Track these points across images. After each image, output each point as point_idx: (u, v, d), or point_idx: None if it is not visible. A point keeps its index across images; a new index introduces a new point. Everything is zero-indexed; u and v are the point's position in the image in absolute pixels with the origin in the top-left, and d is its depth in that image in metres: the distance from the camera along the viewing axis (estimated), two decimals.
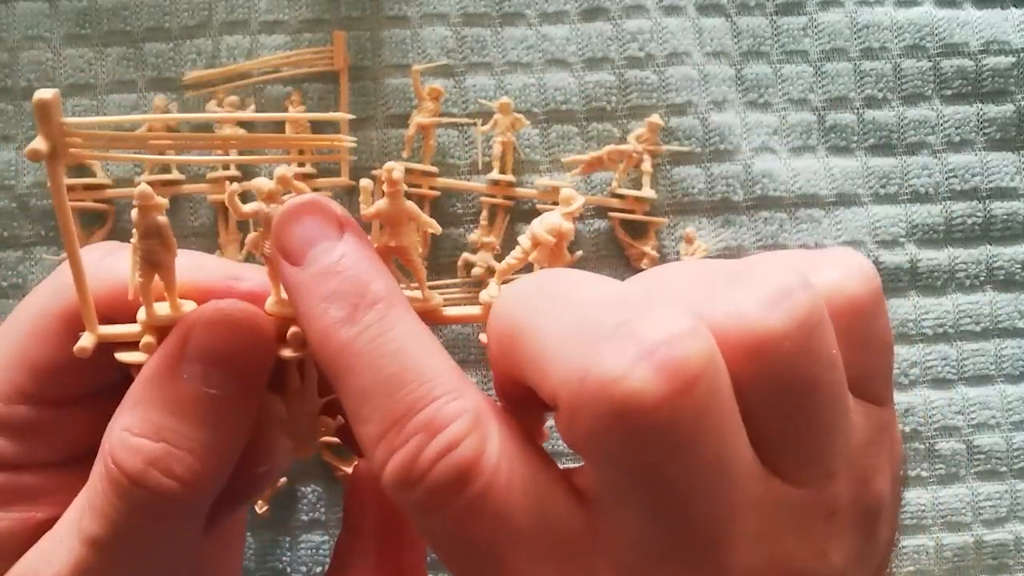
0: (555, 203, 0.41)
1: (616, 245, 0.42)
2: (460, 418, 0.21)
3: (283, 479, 0.40)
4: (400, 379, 0.22)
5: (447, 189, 0.41)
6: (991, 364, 0.43)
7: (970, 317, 0.43)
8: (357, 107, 0.41)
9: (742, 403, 0.20)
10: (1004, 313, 0.43)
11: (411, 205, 0.26)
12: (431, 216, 0.40)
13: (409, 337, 0.23)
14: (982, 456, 0.42)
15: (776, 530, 0.21)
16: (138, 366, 0.25)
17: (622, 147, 0.41)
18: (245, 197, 0.25)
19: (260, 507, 0.40)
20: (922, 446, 0.42)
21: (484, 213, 0.41)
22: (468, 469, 0.21)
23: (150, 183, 0.40)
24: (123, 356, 0.25)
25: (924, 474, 0.42)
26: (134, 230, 0.24)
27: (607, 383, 0.19)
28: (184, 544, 0.25)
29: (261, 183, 0.24)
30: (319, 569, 0.41)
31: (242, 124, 0.40)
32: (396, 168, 0.25)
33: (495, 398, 0.24)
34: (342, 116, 0.28)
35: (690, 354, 0.19)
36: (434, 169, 0.41)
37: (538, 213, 0.41)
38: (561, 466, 0.23)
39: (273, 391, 0.26)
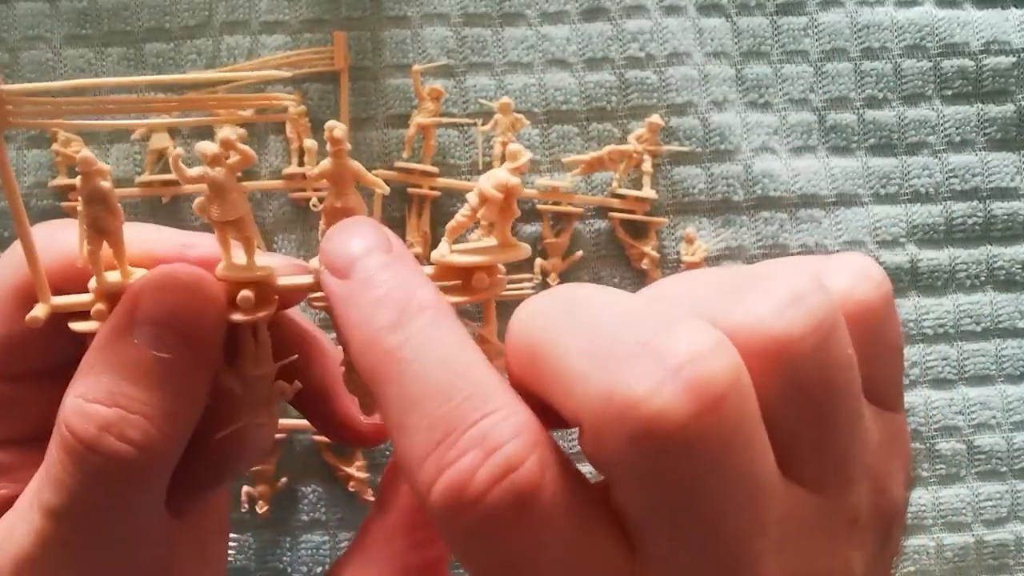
0: (556, 203, 0.41)
1: (616, 245, 0.42)
2: (518, 437, 0.20)
3: (284, 479, 0.40)
4: (452, 389, 0.21)
5: (447, 189, 0.41)
6: (992, 364, 0.43)
7: (971, 317, 0.43)
8: (357, 107, 0.41)
9: (762, 410, 0.20)
10: (1005, 313, 0.43)
11: (356, 164, 0.25)
12: (431, 216, 0.41)
13: (460, 346, 0.22)
14: (983, 456, 0.42)
15: (802, 541, 0.21)
16: (93, 335, 0.24)
17: (622, 147, 0.41)
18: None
19: (260, 507, 0.40)
20: (923, 446, 0.42)
21: None
22: (529, 494, 0.19)
23: (149, 183, 0.40)
24: (77, 325, 0.24)
25: (925, 474, 0.42)
26: (79, 197, 0.24)
27: (633, 404, 0.19)
28: (147, 517, 0.25)
29: (205, 146, 0.24)
30: (319, 569, 0.41)
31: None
32: (338, 127, 0.24)
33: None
34: (277, 74, 0.27)
35: (716, 371, 0.19)
36: (434, 169, 0.41)
37: (539, 213, 0.42)
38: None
39: (227, 358, 0.25)
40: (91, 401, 0.23)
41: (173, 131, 0.41)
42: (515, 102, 0.41)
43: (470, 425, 0.20)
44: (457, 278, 0.26)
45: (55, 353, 0.26)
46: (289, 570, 0.40)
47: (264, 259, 0.25)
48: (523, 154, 0.26)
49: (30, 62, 0.41)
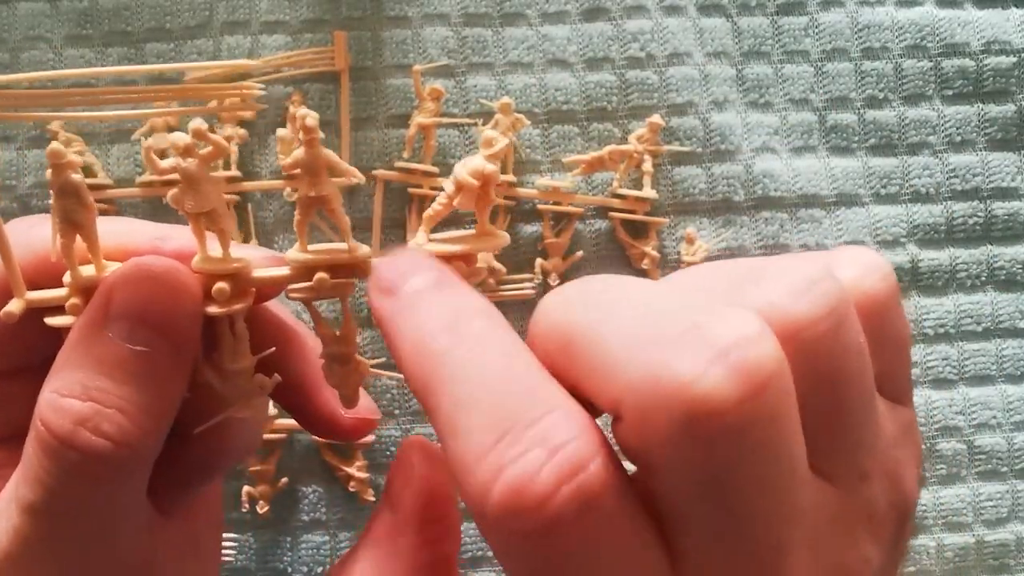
0: (556, 203, 0.41)
1: (617, 245, 0.42)
2: (581, 436, 0.19)
3: (284, 479, 0.40)
4: (509, 388, 0.20)
5: None
6: (992, 364, 0.43)
7: (971, 317, 0.43)
8: (358, 107, 0.41)
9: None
10: (1005, 313, 0.43)
11: (329, 153, 0.25)
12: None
13: (514, 348, 0.21)
14: (983, 456, 0.42)
15: (826, 535, 0.21)
16: (69, 329, 0.24)
17: (623, 147, 0.41)
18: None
19: (261, 507, 0.40)
20: (923, 446, 0.42)
21: None
22: (595, 497, 0.19)
23: (150, 183, 0.40)
24: (52, 320, 0.24)
25: (925, 474, 0.42)
26: (50, 191, 0.23)
27: (682, 386, 0.18)
28: (128, 512, 0.25)
29: (177, 137, 0.24)
30: (320, 569, 0.41)
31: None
32: (310, 115, 0.24)
33: None
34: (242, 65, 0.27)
35: (763, 356, 0.19)
36: (435, 169, 0.41)
37: (539, 213, 0.42)
38: None
39: (205, 352, 0.25)
40: (66, 396, 0.23)
41: (173, 131, 0.41)
42: (516, 102, 0.41)
43: (531, 423, 0.19)
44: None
45: (34, 349, 0.26)
46: (289, 570, 0.41)
47: (240, 251, 0.25)
48: (497, 140, 0.26)
49: (31, 62, 0.41)
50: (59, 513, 0.23)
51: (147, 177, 0.40)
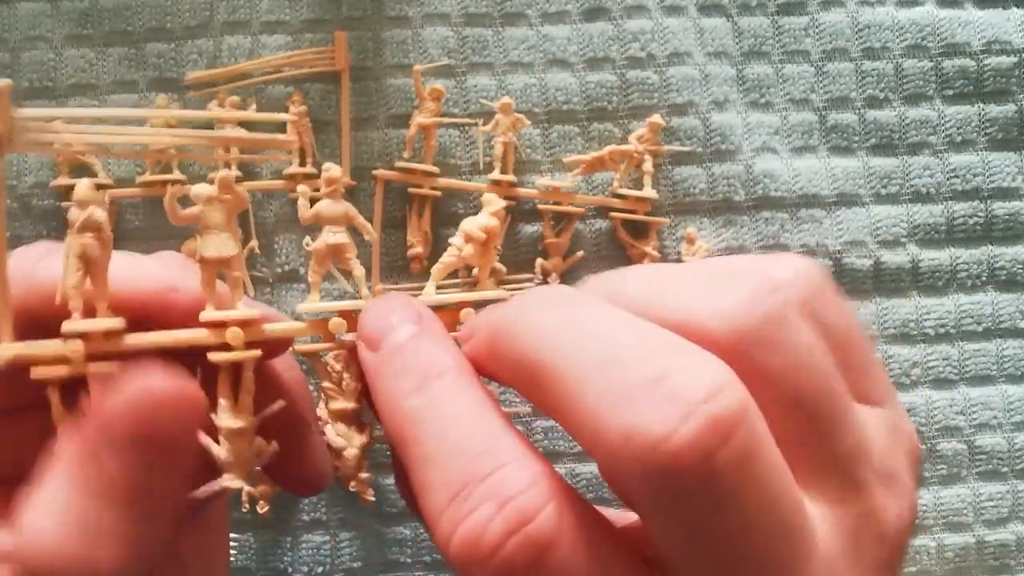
0: (557, 203, 0.41)
1: (617, 245, 0.42)
2: (532, 487, 0.20)
3: None
4: (466, 445, 0.21)
5: (448, 189, 0.41)
6: (993, 364, 0.43)
7: (972, 317, 0.43)
8: (358, 107, 0.41)
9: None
10: (1006, 313, 0.43)
11: (349, 206, 0.26)
12: (432, 217, 0.41)
13: (476, 405, 0.22)
14: (984, 456, 0.42)
15: (838, 559, 0.21)
16: (55, 381, 0.23)
17: (623, 147, 0.41)
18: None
19: (261, 507, 0.40)
20: (924, 446, 0.42)
21: None
22: (545, 545, 0.20)
23: (150, 182, 0.40)
24: (40, 371, 0.23)
25: (926, 474, 0.42)
26: (71, 227, 0.23)
27: (655, 444, 0.19)
28: None
29: (201, 189, 0.24)
30: (320, 569, 0.41)
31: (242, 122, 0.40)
32: (333, 168, 0.25)
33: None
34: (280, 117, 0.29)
35: (732, 405, 0.19)
36: (435, 169, 0.41)
37: (539, 213, 0.42)
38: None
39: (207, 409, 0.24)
40: (51, 526, 0.22)
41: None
42: (516, 102, 0.41)
43: (483, 478, 0.20)
44: (448, 319, 0.27)
45: (23, 390, 0.24)
46: (289, 570, 0.40)
47: (248, 306, 0.25)
48: (495, 201, 0.29)
49: (31, 62, 0.41)
50: None
51: (147, 177, 0.40)
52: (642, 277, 0.25)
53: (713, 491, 0.19)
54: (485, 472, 0.21)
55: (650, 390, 0.19)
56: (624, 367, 0.20)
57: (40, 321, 0.23)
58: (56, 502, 0.22)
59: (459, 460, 0.21)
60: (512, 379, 0.24)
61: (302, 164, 0.41)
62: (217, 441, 0.24)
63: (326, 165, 0.25)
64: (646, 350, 0.21)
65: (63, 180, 0.40)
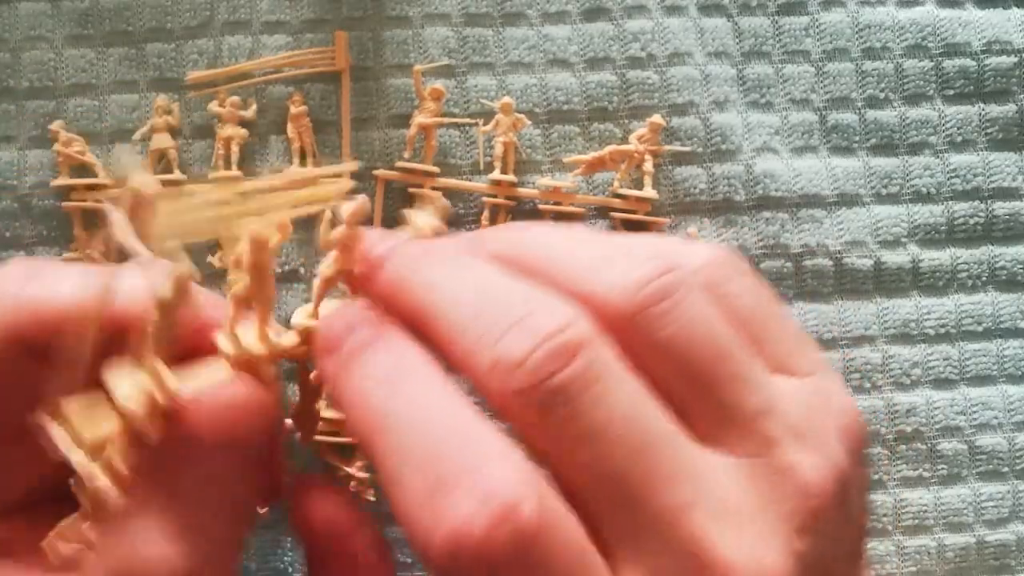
0: (557, 203, 0.41)
1: None
2: (515, 480, 0.20)
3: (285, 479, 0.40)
4: (444, 439, 0.21)
5: (449, 189, 0.41)
6: (993, 364, 0.43)
7: (972, 317, 0.43)
8: (359, 107, 0.41)
9: (649, 379, 0.22)
10: (1006, 313, 0.43)
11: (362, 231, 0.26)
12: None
13: (450, 399, 0.22)
14: (984, 457, 0.42)
15: (746, 507, 0.21)
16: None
17: (624, 147, 0.41)
18: None
19: (261, 507, 0.40)
20: (924, 446, 0.42)
21: (486, 213, 0.41)
22: (531, 536, 0.19)
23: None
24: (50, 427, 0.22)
25: (926, 475, 0.42)
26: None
27: (514, 366, 0.21)
28: None
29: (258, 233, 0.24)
30: None
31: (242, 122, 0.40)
32: (359, 200, 0.25)
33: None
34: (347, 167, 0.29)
35: (572, 333, 0.21)
36: (436, 169, 0.41)
37: (539, 213, 0.42)
38: None
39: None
40: (158, 549, 0.22)
41: (174, 131, 0.41)
42: (516, 102, 0.41)
43: (463, 473, 0.20)
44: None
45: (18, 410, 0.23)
46: (290, 570, 0.40)
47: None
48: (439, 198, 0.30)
49: (31, 62, 0.41)
50: None
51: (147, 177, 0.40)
52: (548, 237, 0.25)
53: (574, 408, 0.21)
54: (465, 467, 0.20)
55: (513, 324, 0.21)
56: (494, 311, 0.22)
57: (35, 346, 0.23)
58: (165, 521, 0.22)
59: (438, 454, 0.20)
60: (399, 309, 0.24)
61: (302, 164, 0.41)
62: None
63: (358, 197, 0.25)
64: (516, 294, 0.22)
65: (63, 180, 0.40)
